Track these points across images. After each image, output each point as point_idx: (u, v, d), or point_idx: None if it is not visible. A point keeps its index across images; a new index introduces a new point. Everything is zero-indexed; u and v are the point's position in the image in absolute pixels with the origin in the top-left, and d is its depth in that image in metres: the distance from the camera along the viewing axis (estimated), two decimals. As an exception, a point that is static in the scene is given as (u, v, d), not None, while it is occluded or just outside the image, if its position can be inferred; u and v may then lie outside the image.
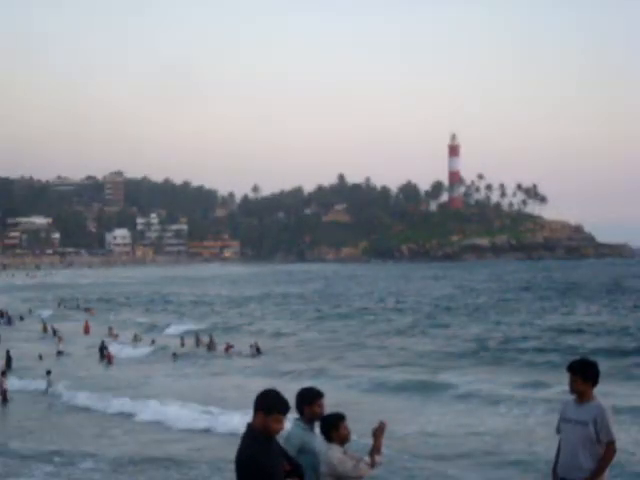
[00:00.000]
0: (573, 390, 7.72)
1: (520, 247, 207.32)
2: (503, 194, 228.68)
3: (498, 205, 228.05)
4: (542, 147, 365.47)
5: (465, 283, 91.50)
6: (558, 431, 7.90)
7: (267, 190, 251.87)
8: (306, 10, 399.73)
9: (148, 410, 20.91)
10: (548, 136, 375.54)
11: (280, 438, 5.81)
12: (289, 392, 5.93)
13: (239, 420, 17.96)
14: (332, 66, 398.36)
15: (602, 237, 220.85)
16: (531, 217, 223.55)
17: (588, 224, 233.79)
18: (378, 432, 6.97)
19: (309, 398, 6.94)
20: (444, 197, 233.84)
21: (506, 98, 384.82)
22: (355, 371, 27.81)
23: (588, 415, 7.52)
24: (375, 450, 6.96)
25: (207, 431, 18.82)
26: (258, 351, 33.75)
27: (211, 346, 35.70)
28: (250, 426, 5.73)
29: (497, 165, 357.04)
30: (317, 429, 6.91)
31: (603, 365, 8.52)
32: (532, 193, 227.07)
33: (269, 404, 5.65)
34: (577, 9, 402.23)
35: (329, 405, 7.08)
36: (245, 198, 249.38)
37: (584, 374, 7.64)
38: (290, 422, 6.46)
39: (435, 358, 31.05)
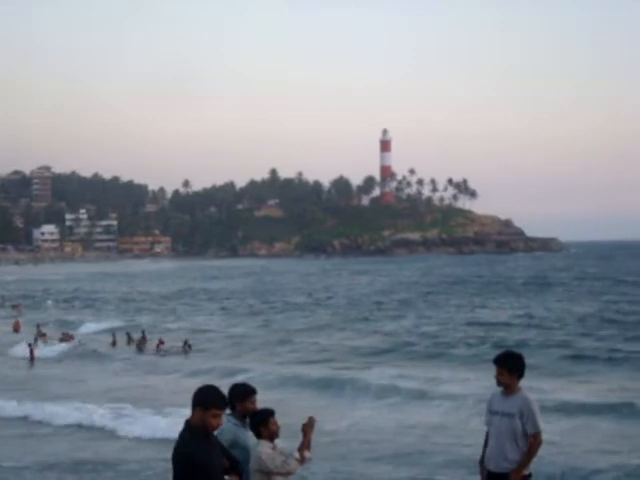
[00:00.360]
0: (499, 382, 7.87)
1: (451, 241, 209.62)
2: (434, 189, 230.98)
3: (429, 200, 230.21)
4: (472, 142, 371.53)
5: (395, 278, 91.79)
6: (486, 423, 7.98)
7: (198, 185, 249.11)
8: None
9: (70, 411, 20.11)
10: (478, 131, 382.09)
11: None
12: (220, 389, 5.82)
13: (163, 419, 17.71)
14: (264, 61, 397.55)
15: (531, 231, 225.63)
16: (462, 212, 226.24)
17: (518, 218, 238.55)
18: (307, 428, 6.96)
19: (242, 394, 6.98)
20: (376, 192, 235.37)
21: (436, 94, 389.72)
22: (284, 367, 27.51)
23: (514, 407, 7.62)
24: (304, 446, 6.93)
25: (131, 431, 18.17)
26: (189, 348, 33.38)
27: (142, 343, 35.12)
28: (188, 422, 5.65)
29: (428, 160, 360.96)
30: None
31: (529, 359, 8.59)
32: (462, 188, 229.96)
33: (207, 399, 5.61)
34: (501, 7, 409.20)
35: (258, 401, 7.02)
36: (176, 193, 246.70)
37: (510, 366, 7.75)
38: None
39: (365, 353, 30.87)
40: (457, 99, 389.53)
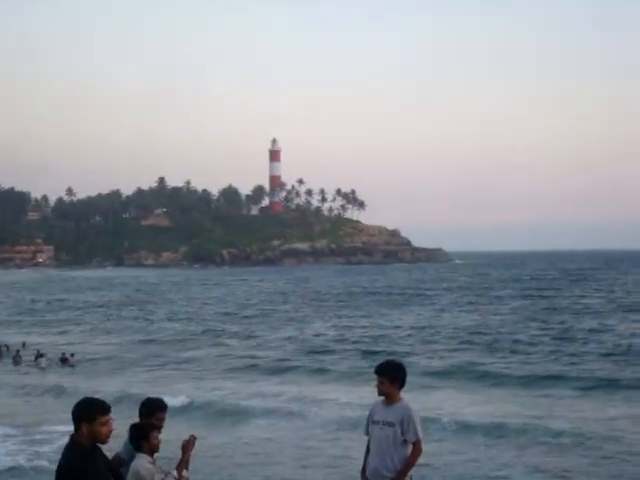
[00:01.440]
0: (381, 392, 7.82)
1: (340, 251, 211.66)
2: (323, 199, 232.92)
3: (318, 210, 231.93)
4: (360, 152, 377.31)
5: (279, 288, 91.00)
6: (367, 433, 7.98)
7: (83, 193, 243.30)
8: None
9: None
10: (367, 142, 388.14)
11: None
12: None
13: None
14: (152, 69, 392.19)
15: (419, 242, 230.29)
16: (350, 222, 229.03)
17: (405, 229, 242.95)
18: (188, 445, 6.86)
19: (153, 408, 6.88)
20: (265, 202, 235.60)
21: (326, 104, 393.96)
22: (161, 384, 25.81)
23: (395, 416, 7.65)
24: (182, 464, 6.77)
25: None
26: (65, 361, 32.04)
27: (18, 356, 33.65)
28: (73, 437, 5.44)
29: (317, 170, 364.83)
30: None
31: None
32: (351, 198, 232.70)
33: (89, 410, 5.44)
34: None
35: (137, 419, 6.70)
36: (60, 201, 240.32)
37: (391, 376, 7.77)
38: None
39: (237, 368, 29.67)
40: (346, 109, 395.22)
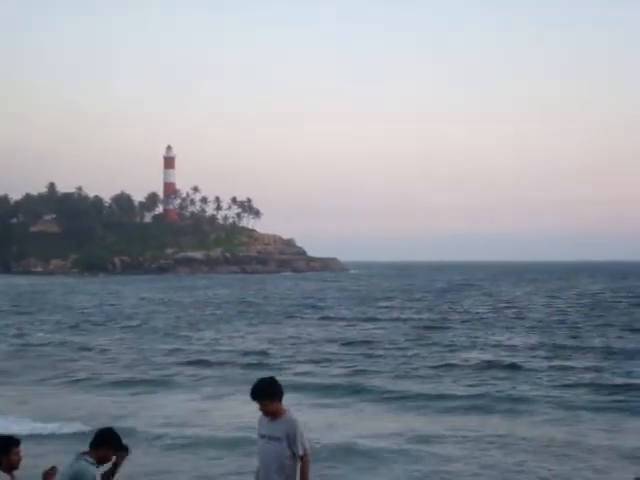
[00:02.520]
0: (267, 414, 7.73)
1: (234, 260, 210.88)
2: (218, 207, 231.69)
3: (213, 218, 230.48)
4: (256, 161, 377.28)
5: (167, 297, 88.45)
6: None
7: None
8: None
9: None
10: (262, 151, 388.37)
11: None
12: None
13: None
14: (48, 73, 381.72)
15: (314, 251, 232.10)
16: (245, 230, 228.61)
17: (300, 238, 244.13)
18: (48, 476, 6.63)
19: (6, 445, 6.62)
20: (159, 209, 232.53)
21: (223, 111, 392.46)
22: (25, 404, 23.60)
23: (281, 430, 7.60)
24: (43, 496, 6.55)
25: None
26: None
27: None
28: None
29: (212, 179, 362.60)
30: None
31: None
32: (246, 207, 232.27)
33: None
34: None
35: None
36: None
37: (269, 396, 7.68)
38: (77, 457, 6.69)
39: (117, 385, 27.44)
40: (243, 118, 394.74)
